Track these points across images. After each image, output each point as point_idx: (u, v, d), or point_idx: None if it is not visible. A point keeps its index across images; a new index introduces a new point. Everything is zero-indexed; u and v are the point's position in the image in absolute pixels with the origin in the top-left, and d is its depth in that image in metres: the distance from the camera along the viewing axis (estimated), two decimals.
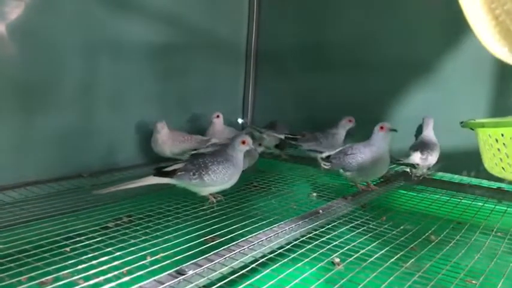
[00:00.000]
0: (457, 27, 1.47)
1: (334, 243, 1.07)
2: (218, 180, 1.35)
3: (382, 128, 1.51)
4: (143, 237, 1.06)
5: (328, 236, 1.12)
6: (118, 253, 0.95)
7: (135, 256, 0.93)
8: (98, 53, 1.67)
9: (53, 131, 1.55)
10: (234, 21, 2.29)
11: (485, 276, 0.95)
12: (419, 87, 1.87)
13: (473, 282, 0.94)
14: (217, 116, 1.92)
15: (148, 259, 0.93)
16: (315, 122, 2.05)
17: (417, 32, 1.88)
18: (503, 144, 1.12)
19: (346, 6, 2.08)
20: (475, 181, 1.70)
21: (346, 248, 1.05)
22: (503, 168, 1.16)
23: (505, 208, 1.42)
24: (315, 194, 1.58)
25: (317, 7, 2.16)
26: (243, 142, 1.39)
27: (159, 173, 1.35)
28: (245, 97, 2.39)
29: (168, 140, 1.72)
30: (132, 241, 1.03)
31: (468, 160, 1.58)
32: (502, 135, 1.11)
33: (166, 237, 1.06)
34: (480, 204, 1.48)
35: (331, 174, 1.82)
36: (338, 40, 2.11)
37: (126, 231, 1.11)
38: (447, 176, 1.77)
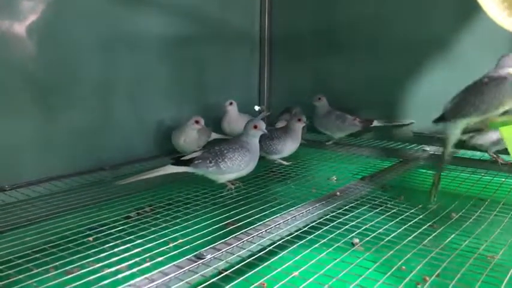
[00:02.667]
0: (470, 1, 1.44)
1: (351, 224, 1.08)
2: (234, 167, 1.37)
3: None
4: (164, 225, 1.09)
5: (345, 217, 1.13)
6: (139, 241, 0.98)
7: (155, 243, 0.96)
8: (115, 48, 1.69)
9: (74, 126, 1.58)
10: (246, 9, 2.29)
11: (504, 250, 0.94)
12: (436, 65, 1.84)
13: (494, 257, 0.93)
14: (231, 103, 1.93)
15: (170, 245, 0.95)
16: (333, 106, 2.04)
17: (430, 9, 1.84)
18: None
19: None
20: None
21: (363, 228, 1.06)
22: None
23: None
24: (335, 178, 1.59)
25: None
26: (255, 127, 1.40)
27: (177, 162, 1.37)
28: (261, 84, 2.39)
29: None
30: (153, 229, 1.06)
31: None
32: None
33: (186, 223, 1.09)
34: (502, 180, 1.46)
35: (350, 158, 1.83)
36: (351, 21, 2.09)
37: (148, 219, 1.14)
38: (468, 153, 1.74)
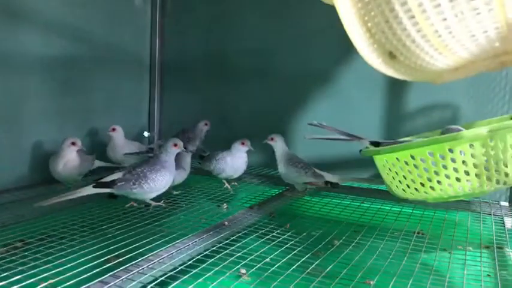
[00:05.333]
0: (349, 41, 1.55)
1: (238, 255, 1.07)
2: (157, 187, 1.43)
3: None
4: (32, 263, 0.98)
5: (231, 248, 1.11)
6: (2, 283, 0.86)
7: (22, 284, 0.86)
8: None
9: None
10: (136, 32, 2.23)
11: (379, 275, 0.99)
12: (318, 97, 1.96)
13: (370, 282, 0.97)
14: (113, 129, 1.82)
15: (41, 285, 0.85)
16: (224, 132, 2.06)
17: (314, 44, 1.97)
18: (400, 168, 1.19)
19: (246, 18, 2.13)
20: (374, 185, 1.79)
21: (249, 259, 1.05)
22: (403, 190, 1.23)
23: (400, 209, 1.52)
24: (225, 206, 1.57)
25: (219, 17, 2.18)
26: (175, 145, 1.47)
27: (99, 184, 1.38)
28: (151, 110, 2.33)
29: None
30: (20, 268, 0.95)
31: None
32: (397, 159, 1.18)
33: (59, 261, 0.99)
34: (379, 206, 1.56)
35: (240, 186, 1.84)
36: (240, 52, 2.14)
37: (14, 257, 1.02)
38: (348, 182, 1.84)
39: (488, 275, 1.05)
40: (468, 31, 0.64)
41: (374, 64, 0.76)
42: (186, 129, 2.00)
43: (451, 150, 1.09)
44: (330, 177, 1.67)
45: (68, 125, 1.85)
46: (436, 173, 1.14)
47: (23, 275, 0.91)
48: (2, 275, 0.91)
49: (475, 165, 1.10)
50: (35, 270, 0.93)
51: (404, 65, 0.75)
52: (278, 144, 1.72)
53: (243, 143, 1.71)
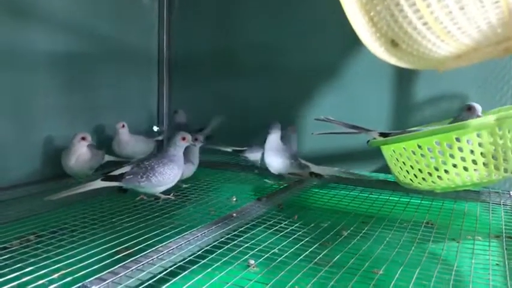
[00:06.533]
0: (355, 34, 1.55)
1: (246, 246, 1.08)
2: (165, 180, 1.44)
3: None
4: (44, 255, 1.00)
5: (240, 239, 1.12)
6: (14, 274, 0.88)
7: (34, 276, 0.87)
8: None
9: None
10: (144, 29, 2.24)
11: (387, 265, 1.00)
12: (325, 91, 1.96)
13: (378, 272, 0.98)
14: (123, 126, 1.86)
15: (50, 278, 0.87)
16: (231, 126, 2.07)
17: (321, 38, 1.96)
18: (407, 157, 1.19)
19: (252, 13, 2.13)
20: (382, 176, 1.79)
21: (257, 249, 1.06)
22: (411, 180, 1.23)
23: (408, 199, 1.51)
24: (234, 198, 1.58)
25: (226, 13, 2.19)
26: (183, 139, 1.49)
27: (108, 177, 1.39)
28: (159, 105, 2.34)
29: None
30: (32, 260, 0.97)
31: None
32: (404, 149, 1.19)
33: (71, 253, 1.00)
34: (387, 197, 1.56)
35: (249, 178, 1.85)
36: (248, 46, 2.15)
37: (27, 249, 1.04)
38: (356, 173, 1.85)
39: (497, 264, 1.05)
40: (470, 18, 0.64)
41: (377, 53, 0.76)
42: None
43: (458, 139, 1.09)
44: (315, 168, 1.68)
45: (77, 120, 1.88)
46: (444, 163, 1.14)
47: (36, 266, 0.93)
48: (16, 266, 0.93)
49: (482, 154, 1.10)
50: (46, 262, 0.95)
51: (406, 53, 0.75)
52: (274, 136, 1.72)
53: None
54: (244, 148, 1.91)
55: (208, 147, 1.84)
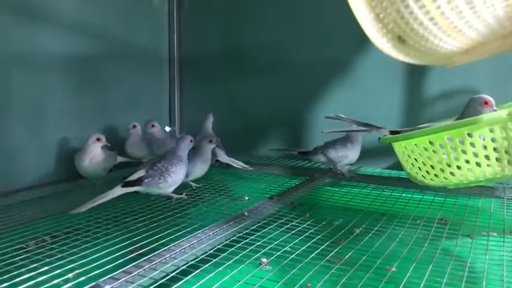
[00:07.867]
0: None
1: (258, 244, 1.08)
2: (177, 180, 1.49)
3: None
4: (59, 255, 1.01)
5: (251, 237, 1.13)
6: (30, 274, 0.90)
7: (48, 275, 0.89)
8: (10, 68, 1.58)
9: None
10: (153, 28, 2.26)
11: (399, 262, 0.99)
12: (335, 88, 1.95)
13: (391, 269, 0.97)
14: (134, 127, 1.89)
15: (64, 277, 0.89)
16: (244, 125, 2.07)
17: (330, 35, 1.96)
18: (418, 154, 1.18)
19: (261, 12, 2.14)
20: (394, 173, 1.78)
21: (269, 247, 1.06)
22: (423, 176, 1.22)
23: (421, 196, 1.50)
24: (247, 197, 1.59)
25: (236, 12, 2.20)
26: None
27: (127, 183, 1.41)
28: (171, 105, 2.36)
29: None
30: (47, 260, 0.98)
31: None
32: (416, 145, 1.18)
33: (85, 252, 1.02)
34: (399, 194, 1.55)
35: (261, 177, 1.85)
36: (258, 44, 2.16)
37: (41, 250, 1.06)
38: (368, 170, 1.84)
39: None
40: (477, 12, 0.64)
41: (384, 49, 0.76)
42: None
43: (469, 135, 1.08)
44: (223, 158, 1.82)
45: (90, 121, 1.90)
46: (456, 158, 1.13)
47: (51, 266, 0.94)
48: (31, 266, 0.94)
49: (495, 150, 1.09)
50: (61, 262, 0.97)
51: (414, 48, 0.74)
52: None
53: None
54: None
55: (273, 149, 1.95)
